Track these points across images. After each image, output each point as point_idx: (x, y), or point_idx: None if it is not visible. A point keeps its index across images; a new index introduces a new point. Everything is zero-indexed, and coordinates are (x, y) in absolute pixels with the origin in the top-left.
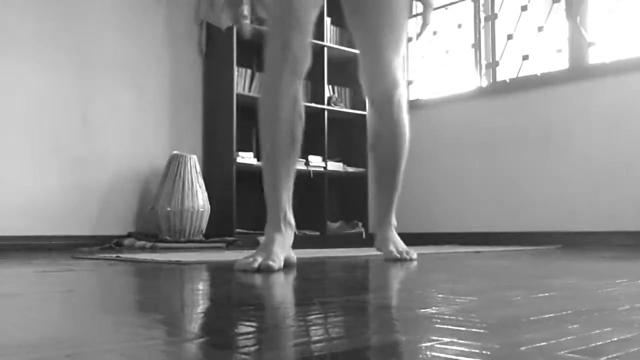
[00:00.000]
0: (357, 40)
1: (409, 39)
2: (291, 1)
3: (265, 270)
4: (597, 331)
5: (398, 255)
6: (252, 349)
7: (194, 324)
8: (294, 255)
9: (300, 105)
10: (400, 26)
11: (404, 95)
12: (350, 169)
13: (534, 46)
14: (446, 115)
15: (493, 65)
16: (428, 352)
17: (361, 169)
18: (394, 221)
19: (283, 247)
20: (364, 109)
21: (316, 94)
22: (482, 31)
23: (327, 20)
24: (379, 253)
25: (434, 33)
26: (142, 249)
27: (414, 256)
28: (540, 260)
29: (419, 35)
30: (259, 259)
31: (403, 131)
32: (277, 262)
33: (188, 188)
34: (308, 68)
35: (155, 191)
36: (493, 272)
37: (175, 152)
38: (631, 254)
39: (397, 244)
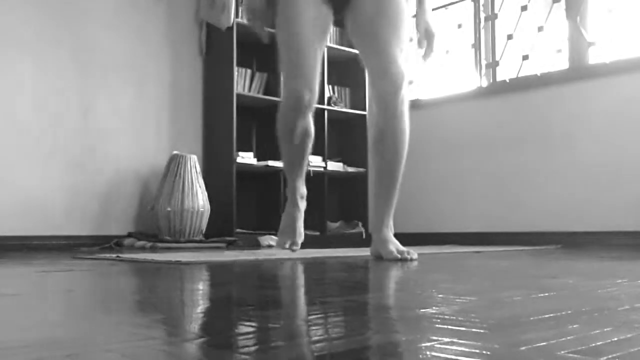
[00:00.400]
0: (362, 45)
1: (410, 39)
2: (300, 55)
3: (291, 249)
4: (597, 331)
5: (399, 256)
6: (252, 349)
7: (194, 324)
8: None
9: (310, 129)
10: (401, 24)
11: (407, 92)
12: (350, 169)
13: (534, 46)
14: (446, 115)
15: (493, 65)
16: (428, 352)
17: (361, 169)
18: (391, 224)
19: (299, 220)
20: (364, 109)
21: None
22: (482, 31)
23: None
24: (373, 257)
25: None
26: (142, 249)
27: (415, 256)
28: (540, 260)
29: (424, 59)
30: (289, 242)
31: (405, 127)
32: (299, 240)
33: (188, 188)
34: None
35: (155, 191)
36: (493, 272)
37: (175, 152)
38: (631, 254)
39: (397, 245)
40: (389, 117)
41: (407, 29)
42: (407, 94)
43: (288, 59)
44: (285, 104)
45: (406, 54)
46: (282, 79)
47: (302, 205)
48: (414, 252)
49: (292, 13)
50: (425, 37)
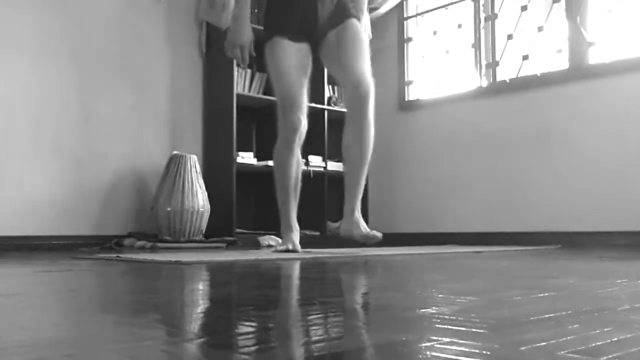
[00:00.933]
0: (335, 68)
1: (410, 39)
2: (291, 88)
3: (294, 251)
4: (597, 331)
5: (370, 234)
6: (252, 349)
7: (194, 324)
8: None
9: (300, 160)
10: (362, 48)
11: (373, 102)
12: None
13: (534, 46)
14: (446, 115)
15: (493, 65)
16: (428, 352)
17: None
18: (359, 206)
19: (297, 239)
20: None
21: (316, 94)
22: (482, 31)
23: None
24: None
25: (434, 33)
26: (142, 249)
27: (379, 235)
28: (540, 260)
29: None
30: (290, 245)
31: (372, 128)
32: (299, 248)
33: (188, 188)
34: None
35: (155, 191)
36: (493, 272)
37: (175, 152)
38: (631, 254)
39: (365, 227)
40: (362, 121)
41: (368, 52)
42: (373, 104)
43: (281, 94)
44: (283, 130)
45: (370, 70)
46: (278, 110)
47: (296, 233)
48: (378, 233)
49: (279, 51)
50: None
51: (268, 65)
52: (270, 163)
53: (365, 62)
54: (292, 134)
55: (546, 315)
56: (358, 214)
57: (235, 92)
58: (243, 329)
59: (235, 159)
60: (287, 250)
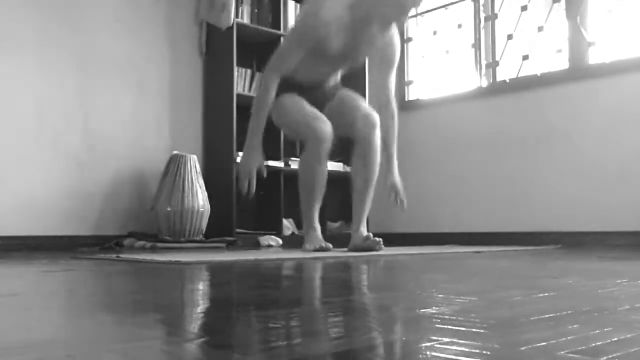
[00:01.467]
0: (342, 117)
1: (410, 39)
2: (308, 107)
3: (326, 249)
4: (597, 331)
5: (375, 246)
6: (252, 349)
7: (194, 324)
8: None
9: (326, 169)
10: (362, 98)
11: (379, 133)
12: (350, 169)
13: (534, 46)
14: (446, 115)
15: (493, 65)
16: (428, 352)
17: None
18: (364, 224)
19: (322, 237)
20: None
21: None
22: (482, 31)
23: None
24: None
25: (434, 33)
26: (142, 249)
27: (382, 246)
28: (540, 260)
29: (400, 208)
30: (318, 244)
31: (377, 161)
32: (330, 245)
33: (188, 188)
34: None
35: (155, 191)
36: (493, 272)
37: (175, 152)
38: (631, 254)
39: (370, 237)
40: (369, 148)
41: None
42: (379, 133)
43: (302, 113)
44: (312, 144)
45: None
46: (298, 134)
47: (318, 232)
48: (381, 245)
49: (289, 95)
50: (393, 190)
51: (279, 114)
52: (270, 163)
53: (366, 104)
54: (320, 145)
55: (546, 315)
56: (364, 229)
57: (235, 92)
58: (243, 329)
59: (235, 159)
60: (321, 249)
